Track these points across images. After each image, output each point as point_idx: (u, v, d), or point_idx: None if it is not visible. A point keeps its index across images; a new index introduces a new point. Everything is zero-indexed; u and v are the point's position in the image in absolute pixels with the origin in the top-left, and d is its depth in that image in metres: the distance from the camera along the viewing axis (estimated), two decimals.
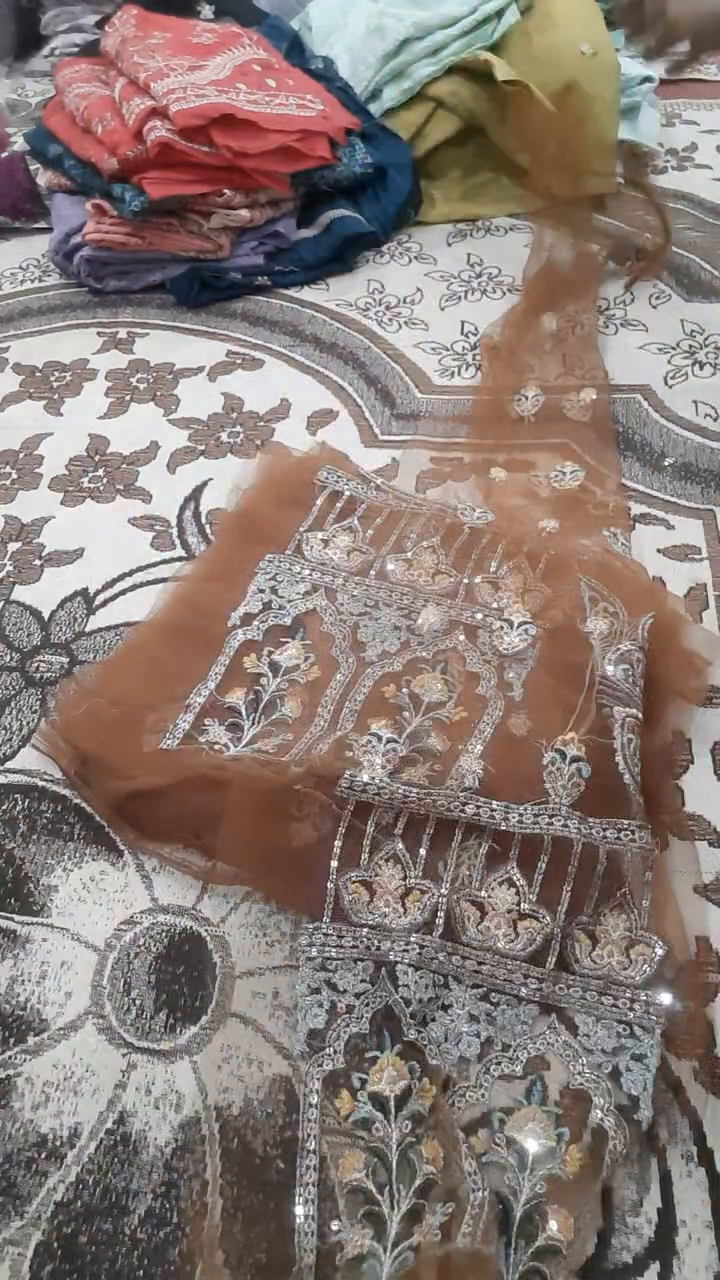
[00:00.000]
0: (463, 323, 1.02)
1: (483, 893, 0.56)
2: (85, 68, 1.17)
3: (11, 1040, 0.53)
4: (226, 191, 1.02)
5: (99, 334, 1.05)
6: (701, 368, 0.93)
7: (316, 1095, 0.50)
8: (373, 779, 0.58)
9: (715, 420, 0.87)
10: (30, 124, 1.40)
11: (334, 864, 0.56)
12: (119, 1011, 0.54)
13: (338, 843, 0.57)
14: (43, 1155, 0.49)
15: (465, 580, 0.72)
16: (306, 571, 0.73)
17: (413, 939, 0.54)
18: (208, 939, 0.56)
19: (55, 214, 1.14)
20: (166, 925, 0.57)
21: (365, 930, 0.54)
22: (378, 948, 0.54)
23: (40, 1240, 0.47)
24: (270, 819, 0.58)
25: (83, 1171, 0.48)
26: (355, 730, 0.62)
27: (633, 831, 0.55)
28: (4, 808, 0.63)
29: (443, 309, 1.04)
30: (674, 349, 0.95)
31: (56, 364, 1.01)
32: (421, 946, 0.54)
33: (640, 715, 0.59)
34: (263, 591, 0.72)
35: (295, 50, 1.22)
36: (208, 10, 1.36)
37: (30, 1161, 0.49)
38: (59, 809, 0.63)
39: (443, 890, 0.55)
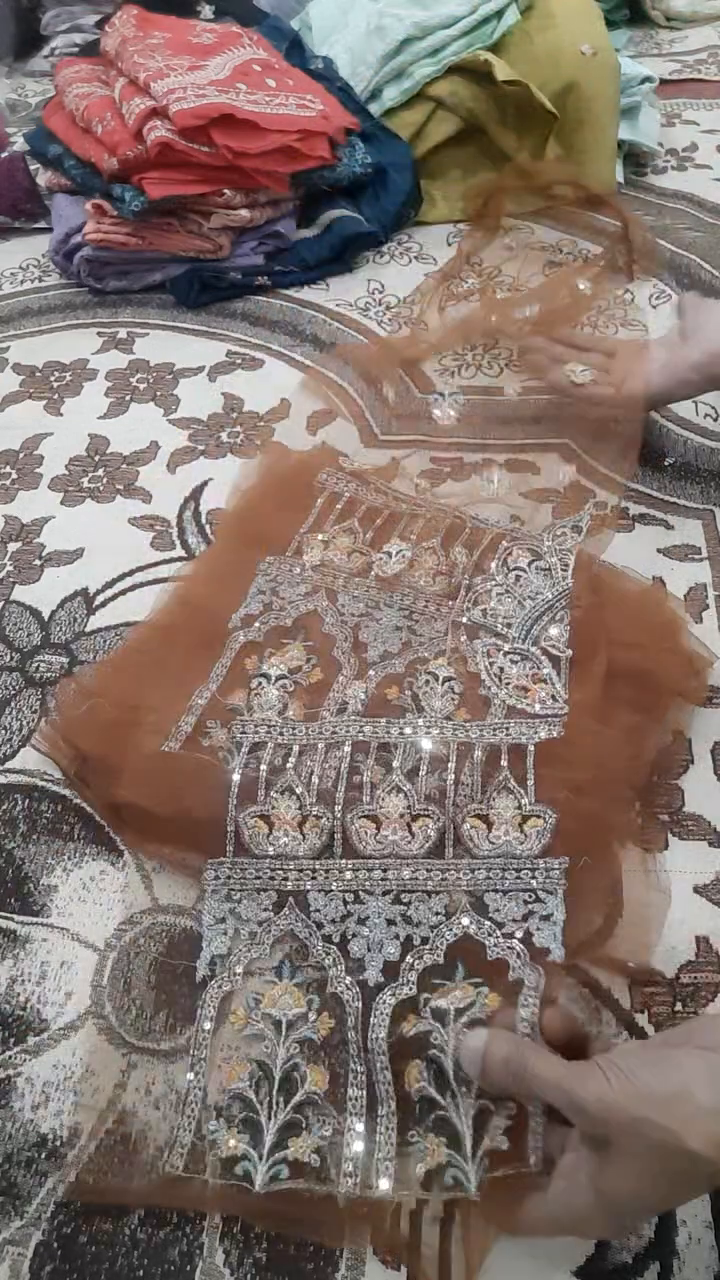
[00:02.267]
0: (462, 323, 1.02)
1: (373, 806, 0.58)
2: (85, 68, 1.17)
3: (11, 1040, 0.53)
4: (226, 191, 1.02)
5: (99, 334, 1.05)
6: None
7: (212, 1012, 0.52)
8: (264, 719, 0.62)
9: (715, 420, 0.87)
10: (30, 124, 1.40)
11: (232, 803, 0.58)
12: (119, 1011, 0.54)
13: (236, 777, 0.59)
14: (43, 1155, 0.49)
15: (466, 580, 0.72)
16: (307, 572, 0.73)
17: (316, 864, 0.57)
18: (196, 927, 0.56)
19: (55, 214, 1.14)
20: (166, 925, 0.57)
21: (268, 861, 0.57)
22: (283, 878, 0.56)
23: (40, 1240, 0.47)
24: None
25: (83, 1171, 0.48)
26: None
27: (508, 728, 0.61)
28: (4, 808, 0.63)
29: (443, 309, 1.04)
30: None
31: (56, 364, 1.01)
32: (327, 871, 0.56)
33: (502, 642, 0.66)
34: (263, 593, 0.72)
35: (295, 50, 1.22)
36: (208, 10, 1.36)
37: (30, 1161, 0.49)
38: (59, 809, 0.63)
39: (336, 812, 0.58)
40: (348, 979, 0.53)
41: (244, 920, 0.55)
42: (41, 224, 1.21)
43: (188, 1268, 0.46)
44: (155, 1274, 0.46)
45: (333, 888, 0.56)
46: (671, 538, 0.77)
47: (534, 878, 0.55)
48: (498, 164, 1.17)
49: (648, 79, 1.24)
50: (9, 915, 0.58)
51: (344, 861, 0.57)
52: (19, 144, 1.34)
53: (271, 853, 0.57)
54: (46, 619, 0.75)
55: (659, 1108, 0.38)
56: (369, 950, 0.54)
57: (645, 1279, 0.45)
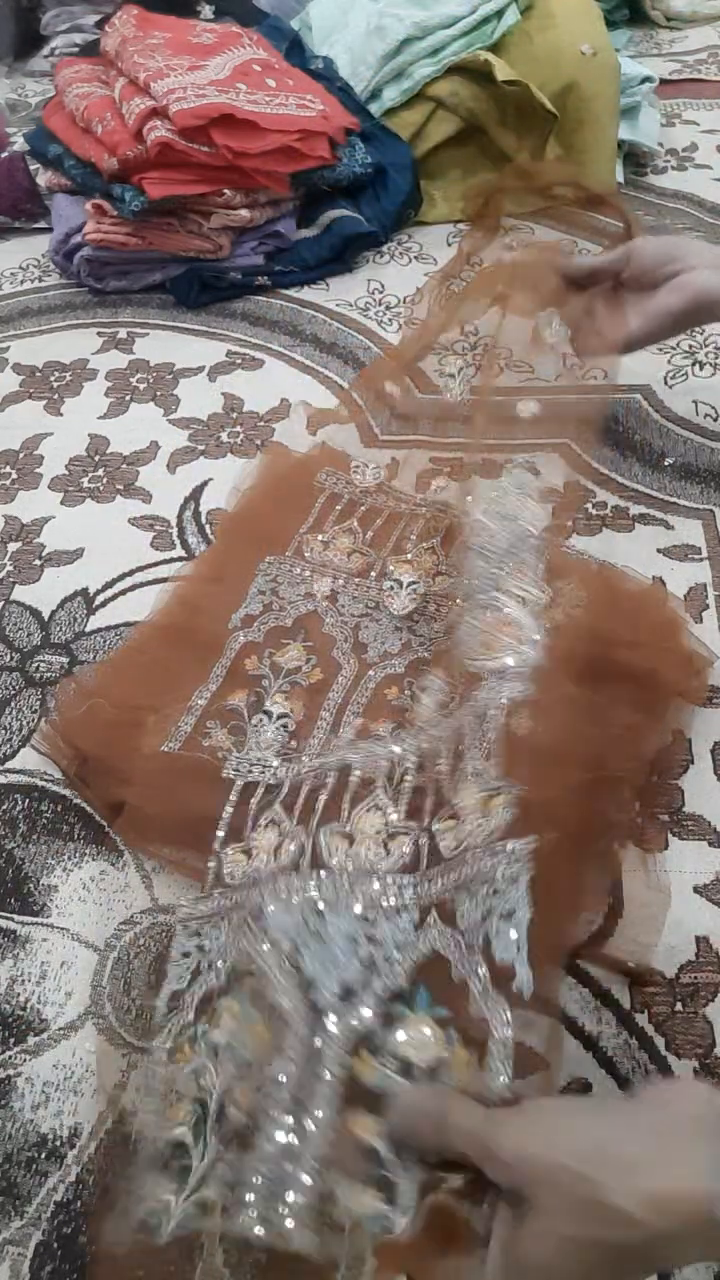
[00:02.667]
0: (463, 323, 1.02)
1: (348, 826, 0.54)
2: (85, 68, 1.17)
3: (11, 1040, 0.53)
4: (226, 191, 1.02)
5: (99, 334, 1.05)
6: (701, 368, 0.93)
7: (165, 1053, 0.48)
8: (260, 758, 0.59)
9: (715, 420, 0.88)
10: (30, 124, 1.40)
11: (219, 835, 0.57)
12: (119, 1011, 0.54)
13: (226, 815, 0.57)
14: (43, 1155, 0.49)
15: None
16: (307, 573, 0.74)
17: (279, 880, 0.51)
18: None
19: (55, 214, 1.14)
20: (166, 925, 0.57)
21: (237, 888, 0.54)
22: (245, 899, 0.52)
23: (40, 1240, 0.47)
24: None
25: (83, 1171, 0.48)
26: (358, 734, 0.63)
27: (474, 698, 0.56)
28: (4, 808, 0.63)
29: (443, 309, 1.04)
30: (674, 349, 0.95)
31: (56, 364, 1.01)
32: (289, 887, 0.51)
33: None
34: (263, 593, 0.72)
35: (295, 50, 1.22)
36: (208, 10, 1.36)
37: (30, 1161, 0.49)
38: (59, 809, 0.63)
39: (310, 830, 0.55)
40: (298, 994, 0.46)
41: (206, 951, 0.52)
42: (41, 224, 1.21)
43: (187, 1267, 0.46)
44: (155, 1274, 0.45)
45: (294, 901, 0.50)
46: (671, 538, 0.77)
47: (495, 865, 0.47)
48: (498, 164, 1.17)
49: (648, 79, 1.24)
50: (9, 915, 0.58)
51: (310, 872, 0.52)
52: (19, 144, 1.34)
53: (243, 882, 0.54)
54: (46, 619, 0.75)
55: (580, 1157, 0.33)
56: (323, 968, 0.47)
57: (645, 1279, 0.45)
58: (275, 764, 0.59)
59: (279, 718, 0.63)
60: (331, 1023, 0.45)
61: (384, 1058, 0.44)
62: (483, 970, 0.45)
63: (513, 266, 0.91)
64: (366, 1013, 0.45)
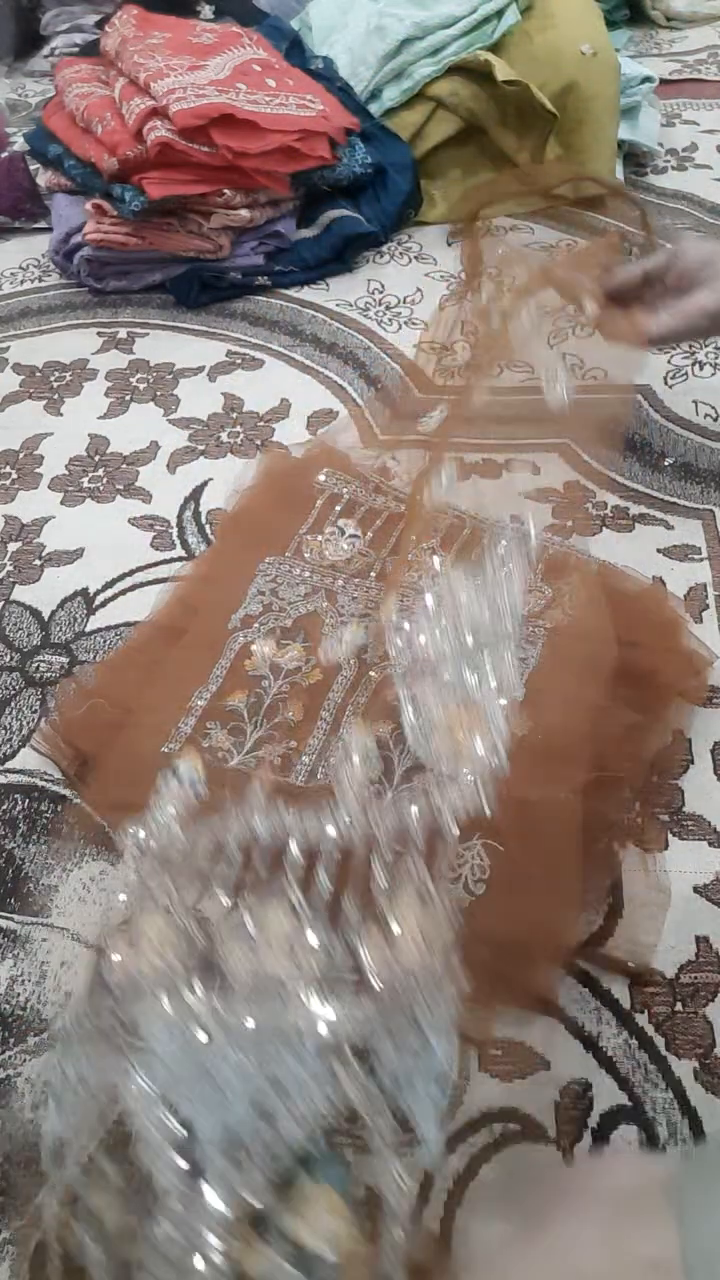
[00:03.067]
0: (463, 323, 1.02)
1: (250, 924, 0.44)
2: (85, 68, 1.17)
3: (11, 1040, 0.53)
4: (226, 191, 1.02)
5: (99, 334, 1.05)
6: (701, 368, 0.93)
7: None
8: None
9: (715, 420, 0.88)
10: (30, 124, 1.40)
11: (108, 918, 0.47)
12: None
13: (129, 880, 0.47)
14: (43, 1155, 0.49)
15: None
16: (307, 574, 0.74)
17: (159, 988, 0.41)
18: None
19: (55, 214, 1.14)
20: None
21: (115, 990, 0.43)
22: (122, 1011, 0.42)
23: (40, 1240, 0.47)
24: None
25: (83, 1171, 0.48)
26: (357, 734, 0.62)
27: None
28: (4, 808, 0.63)
29: (443, 309, 1.04)
30: (674, 349, 0.95)
31: (56, 364, 1.01)
32: (172, 1001, 0.41)
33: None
34: (263, 594, 0.72)
35: (295, 50, 1.22)
36: (208, 10, 1.36)
37: (30, 1161, 0.49)
38: (59, 809, 0.63)
39: (206, 927, 0.44)
40: (168, 1150, 0.38)
41: (69, 1080, 0.42)
42: (41, 224, 1.21)
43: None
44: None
45: (177, 1020, 0.41)
46: (671, 538, 0.77)
47: (428, 1012, 0.39)
48: (498, 164, 1.17)
49: (648, 79, 1.25)
50: (9, 915, 0.58)
51: (198, 982, 0.42)
52: (19, 144, 1.34)
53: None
54: (46, 619, 0.75)
55: None
56: (205, 1110, 0.38)
57: None
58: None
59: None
60: (210, 1192, 0.36)
61: (276, 1241, 0.35)
62: (386, 1125, 0.38)
63: (554, 277, 0.90)
64: (257, 1177, 0.36)
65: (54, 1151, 0.41)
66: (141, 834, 0.48)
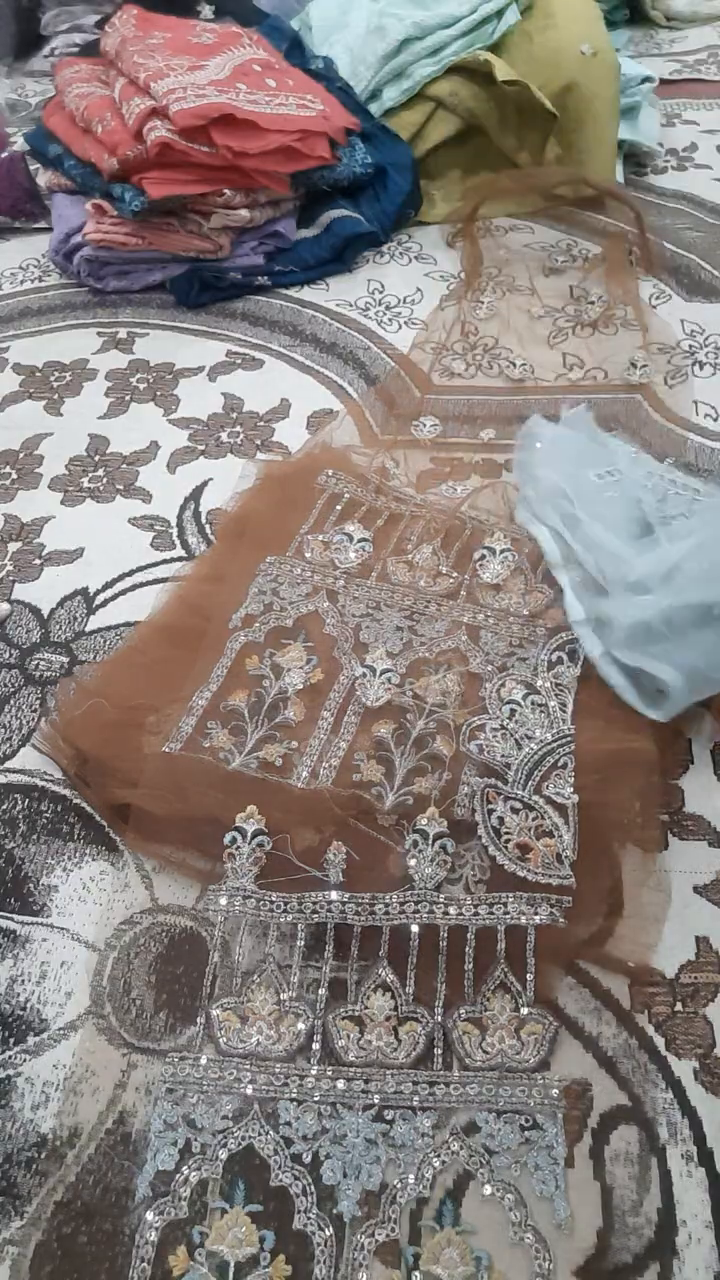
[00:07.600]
0: (463, 323, 1.02)
1: (358, 1006, 0.52)
2: (85, 68, 1.17)
3: (11, 1040, 0.53)
4: (226, 191, 1.02)
5: (99, 334, 1.05)
6: (701, 368, 0.93)
7: (151, 1249, 0.45)
8: (234, 895, 0.55)
9: (715, 420, 0.87)
10: (30, 124, 1.40)
11: (206, 989, 0.54)
12: (119, 1011, 0.54)
13: (215, 957, 0.54)
14: (43, 1155, 0.49)
15: (466, 580, 0.72)
16: (308, 573, 0.73)
17: (290, 1069, 0.50)
18: (207, 939, 0.56)
19: (55, 214, 1.14)
20: (166, 925, 0.57)
21: (236, 1060, 0.51)
22: (249, 1080, 0.50)
23: (40, 1240, 0.47)
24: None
25: (83, 1171, 0.48)
26: (359, 736, 0.63)
27: (505, 904, 0.54)
28: (4, 808, 0.63)
29: (443, 309, 1.04)
30: (674, 349, 0.95)
31: (56, 364, 1.01)
32: (301, 1077, 0.50)
33: (501, 785, 0.58)
34: (264, 593, 0.72)
35: (295, 50, 1.22)
36: (208, 10, 1.36)
37: (30, 1161, 0.49)
38: (59, 809, 0.63)
39: (318, 1011, 0.52)
40: (316, 1211, 0.45)
41: (198, 1129, 0.49)
42: (41, 224, 1.21)
43: None
44: (156, 1274, 0.45)
45: (310, 1098, 0.49)
46: None
47: (530, 1096, 0.49)
48: (498, 164, 1.17)
49: (648, 79, 1.25)
50: (9, 915, 0.58)
51: (322, 1068, 0.50)
52: (19, 144, 1.34)
53: (242, 1051, 0.51)
54: (46, 617, 0.75)
55: None
56: (344, 1175, 0.47)
57: (645, 1279, 0.45)
58: (254, 896, 0.55)
59: (254, 836, 0.58)
60: (358, 1245, 0.44)
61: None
62: (524, 1209, 0.46)
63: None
64: (390, 1232, 0.45)
65: (150, 1184, 0.46)
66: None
